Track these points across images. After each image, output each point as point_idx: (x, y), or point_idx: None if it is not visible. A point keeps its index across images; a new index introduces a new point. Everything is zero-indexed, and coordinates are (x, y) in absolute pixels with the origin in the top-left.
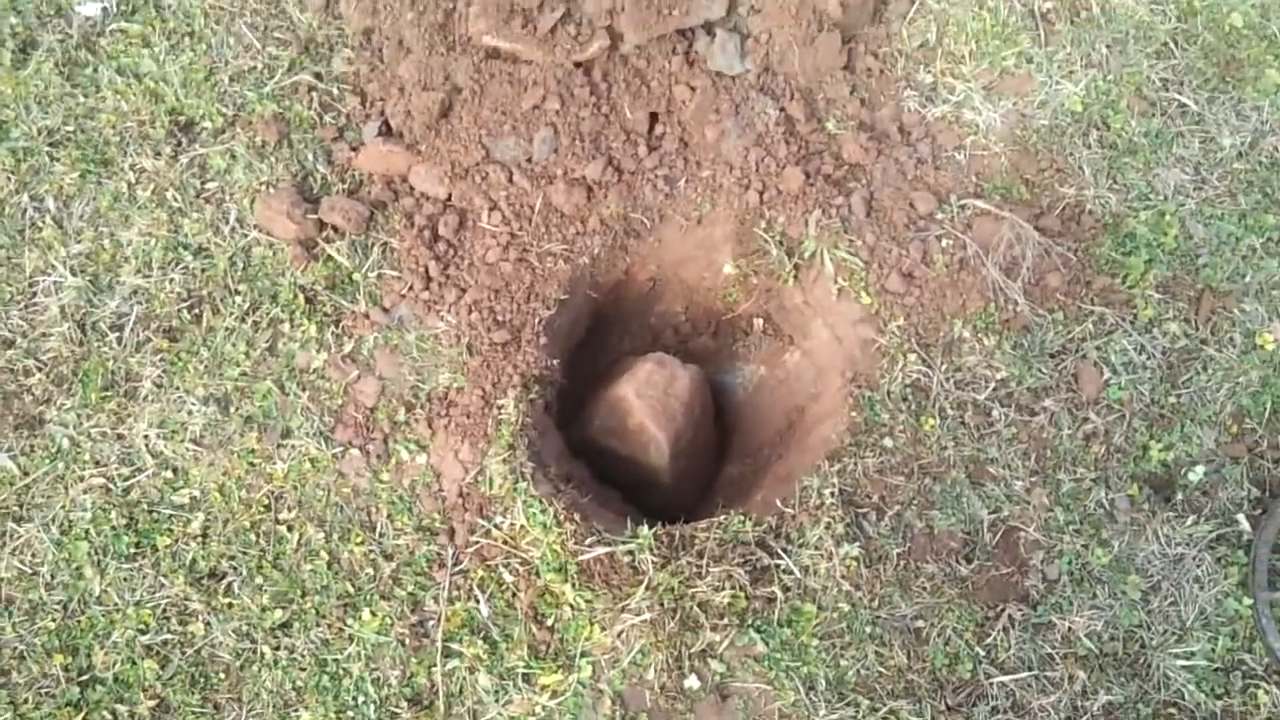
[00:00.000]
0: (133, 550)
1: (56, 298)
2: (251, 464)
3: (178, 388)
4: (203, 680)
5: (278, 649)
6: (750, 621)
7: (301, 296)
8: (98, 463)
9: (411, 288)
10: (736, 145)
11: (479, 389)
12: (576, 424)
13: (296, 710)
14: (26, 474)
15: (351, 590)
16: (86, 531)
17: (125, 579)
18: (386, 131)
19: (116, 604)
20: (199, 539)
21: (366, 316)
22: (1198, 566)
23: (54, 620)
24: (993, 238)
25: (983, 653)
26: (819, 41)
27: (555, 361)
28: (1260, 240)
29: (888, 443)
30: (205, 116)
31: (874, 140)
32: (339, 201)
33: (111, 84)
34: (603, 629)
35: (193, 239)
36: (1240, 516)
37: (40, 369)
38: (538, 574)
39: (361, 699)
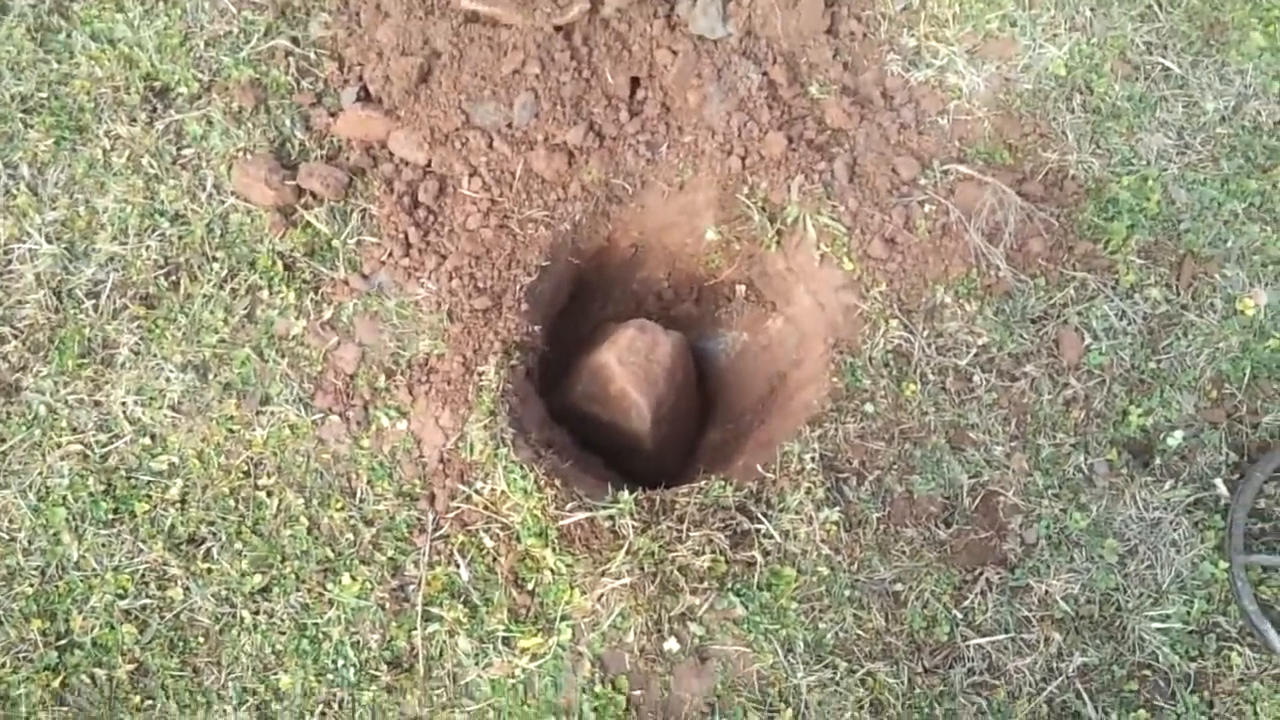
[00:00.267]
0: (111, 516)
1: (32, 265)
2: (230, 430)
3: (155, 355)
4: (182, 644)
5: (257, 613)
6: (730, 585)
7: (280, 263)
8: (75, 429)
9: (391, 254)
10: (719, 110)
11: (460, 355)
12: (558, 390)
13: (276, 674)
14: (3, 440)
15: (331, 555)
16: (64, 498)
17: (103, 544)
18: (365, 97)
19: (95, 569)
20: (178, 505)
21: (346, 283)
22: (1175, 530)
23: (31, 585)
24: (975, 203)
25: (960, 615)
26: (801, 5)
27: (536, 328)
28: (1242, 205)
29: (869, 408)
30: (181, 82)
31: (857, 105)
32: (317, 168)
33: (85, 49)
34: (583, 593)
35: (169, 206)
36: (1218, 481)
37: (16, 336)
38: (518, 539)
39: (341, 662)
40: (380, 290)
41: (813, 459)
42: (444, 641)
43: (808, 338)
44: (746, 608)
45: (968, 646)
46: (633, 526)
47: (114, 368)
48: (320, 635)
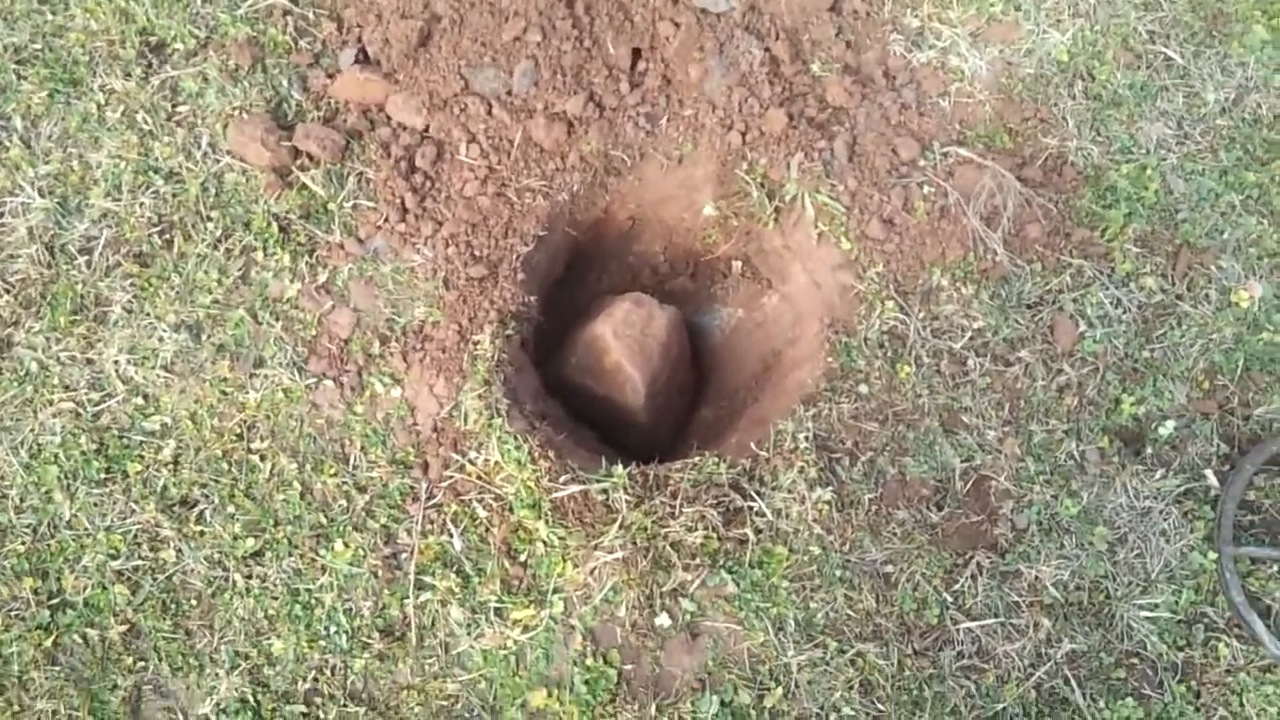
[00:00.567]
0: (103, 475)
1: (24, 219)
2: (224, 393)
3: (148, 314)
4: (174, 607)
5: (250, 578)
6: (722, 562)
7: (275, 225)
8: (67, 387)
9: (387, 219)
10: (720, 85)
11: (455, 324)
12: (553, 362)
13: (268, 638)
14: None
15: (324, 521)
16: (56, 456)
17: (95, 504)
18: (363, 59)
19: (87, 529)
20: (170, 466)
21: (341, 247)
22: (1165, 520)
23: (23, 543)
24: (974, 186)
25: (950, 599)
26: None
27: (532, 298)
28: (1240, 197)
29: (863, 389)
30: (177, 38)
31: (858, 84)
32: (314, 129)
33: (81, 1)
34: (575, 566)
35: (164, 163)
36: (1208, 472)
37: (8, 291)
38: (511, 510)
39: (333, 629)
40: (376, 255)
41: (806, 438)
42: (436, 611)
43: (803, 316)
44: (738, 585)
45: (957, 630)
46: (626, 501)
47: (106, 325)
48: (313, 601)
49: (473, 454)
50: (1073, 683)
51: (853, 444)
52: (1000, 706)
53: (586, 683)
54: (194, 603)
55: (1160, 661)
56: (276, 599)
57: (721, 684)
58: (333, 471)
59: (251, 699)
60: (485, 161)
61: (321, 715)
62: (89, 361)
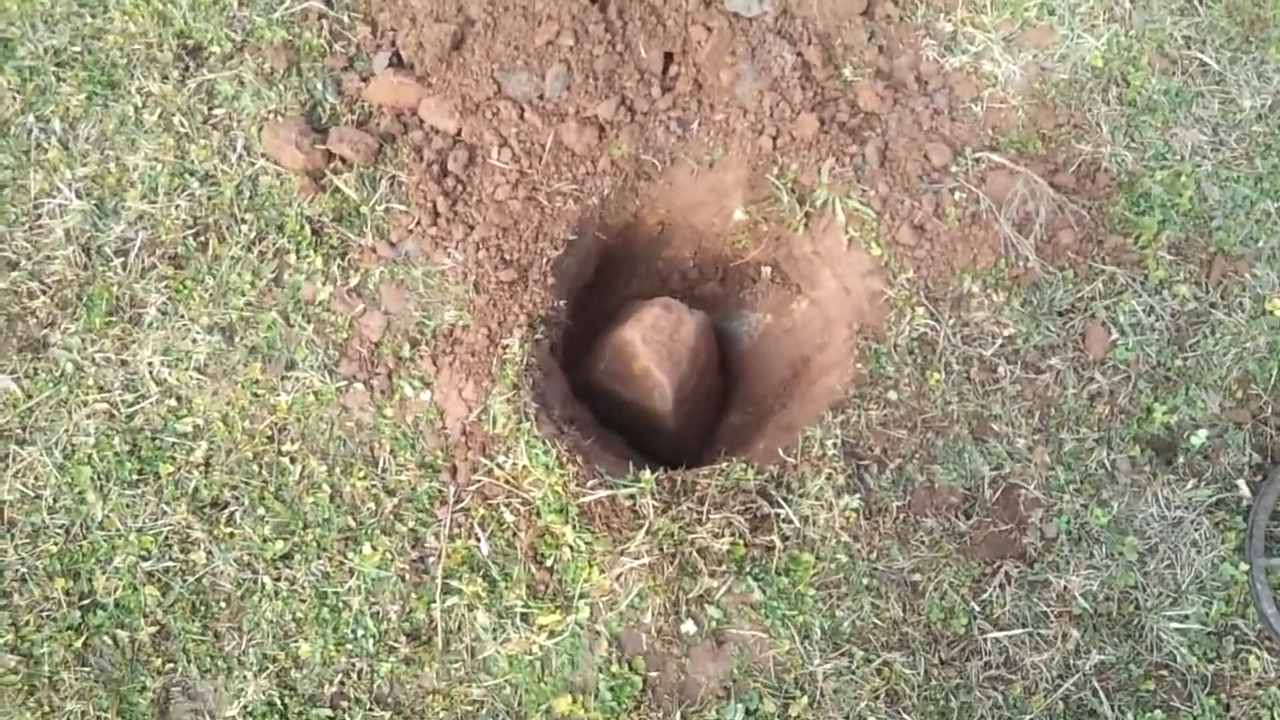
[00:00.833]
0: (135, 477)
1: (61, 220)
2: (255, 395)
3: (182, 315)
4: (203, 608)
5: (278, 580)
6: (748, 569)
7: (308, 228)
8: (101, 388)
9: (419, 223)
10: (751, 89)
11: (485, 327)
12: (581, 366)
13: (296, 641)
14: (30, 397)
15: (353, 524)
16: (89, 456)
17: (127, 505)
18: (397, 62)
19: (119, 529)
20: (202, 468)
21: (373, 250)
22: (1196, 530)
23: (56, 544)
24: (1006, 192)
25: (978, 608)
26: None
27: (562, 302)
28: (1275, 205)
29: (892, 395)
30: (214, 41)
31: (890, 89)
32: (348, 133)
33: (119, 4)
34: (602, 571)
35: (199, 165)
36: (1240, 482)
37: (45, 292)
38: (538, 514)
39: (361, 632)
40: (407, 259)
41: (834, 445)
42: (463, 615)
43: (832, 322)
44: (764, 592)
45: (985, 640)
46: (653, 506)
47: (141, 327)
48: (340, 604)
49: (501, 458)
50: (1101, 694)
51: (881, 451)
52: (1027, 718)
53: (611, 689)
54: (223, 604)
55: (1190, 674)
56: (304, 602)
57: (746, 692)
58: (362, 474)
59: (278, 702)
60: (517, 165)
61: (347, 719)
62: (123, 363)
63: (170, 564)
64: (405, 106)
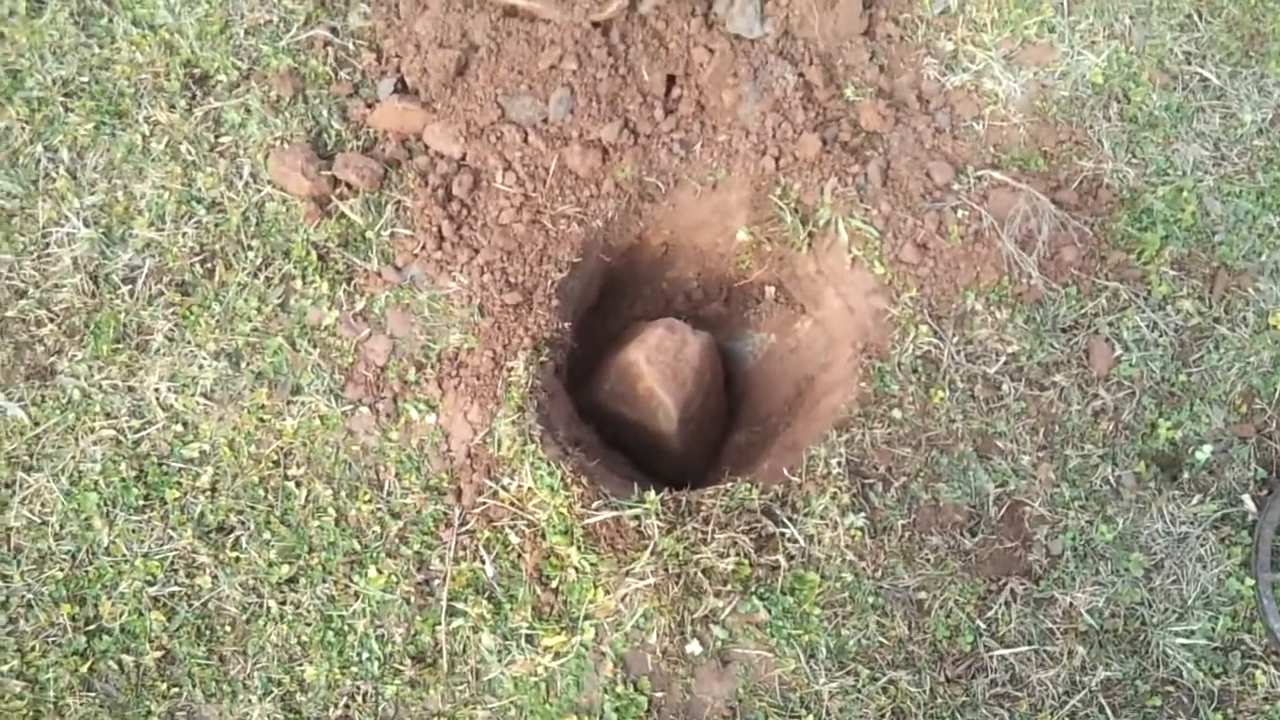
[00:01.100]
0: (141, 502)
1: (69, 249)
2: (261, 420)
3: (189, 342)
4: (209, 633)
5: (284, 604)
6: (753, 589)
7: (314, 253)
8: (108, 414)
9: (424, 247)
10: (754, 110)
11: (489, 350)
12: (586, 388)
13: (301, 665)
14: (37, 424)
15: (358, 547)
16: (96, 483)
17: (134, 530)
18: (402, 89)
19: (125, 555)
20: (208, 493)
21: (379, 275)
22: (1201, 546)
23: (62, 570)
24: (1009, 210)
25: (984, 626)
26: (839, 6)
27: (566, 324)
28: (1278, 219)
29: (896, 414)
30: (220, 69)
31: (892, 108)
32: (353, 158)
33: (127, 35)
34: (607, 592)
35: (206, 193)
36: (1246, 497)
37: (52, 320)
38: (543, 536)
39: (366, 655)
40: (412, 283)
41: (839, 464)
42: (468, 637)
43: (836, 341)
44: (770, 612)
45: (991, 657)
46: (658, 527)
47: (148, 354)
48: (346, 627)
49: (506, 480)
50: (1108, 711)
51: (886, 469)
52: None
53: (617, 710)
54: (228, 629)
55: (1196, 689)
56: (310, 625)
57: (752, 712)
58: (367, 498)
59: None
60: (521, 189)
61: None
62: (130, 389)
63: (176, 589)
64: (410, 132)
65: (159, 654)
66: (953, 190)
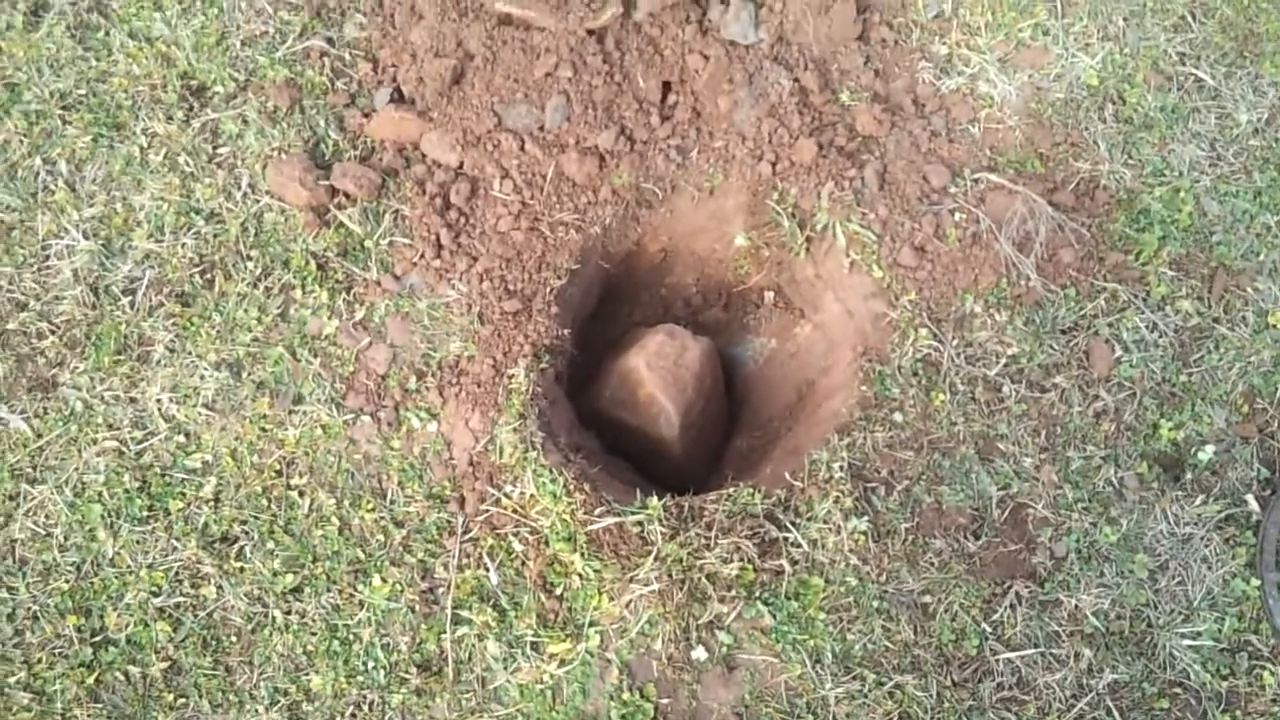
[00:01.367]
0: (145, 513)
1: (69, 261)
2: (263, 429)
3: (190, 352)
4: (214, 643)
5: (289, 613)
6: (758, 594)
7: (313, 263)
8: (110, 426)
9: (423, 255)
10: (749, 116)
11: (490, 358)
12: (587, 394)
13: (307, 674)
14: (40, 436)
15: (362, 556)
16: (99, 494)
17: (138, 541)
18: (399, 98)
19: (129, 566)
20: (211, 503)
21: (378, 284)
22: (1206, 546)
23: (67, 581)
24: (1006, 212)
25: (989, 629)
26: (833, 11)
27: (566, 331)
28: (1275, 218)
29: (897, 417)
30: (217, 81)
31: (888, 112)
32: (351, 168)
33: (124, 47)
34: (611, 599)
35: (205, 204)
36: (1249, 497)
37: (53, 332)
38: (547, 543)
39: (371, 664)
40: (412, 291)
41: (841, 468)
42: (473, 645)
43: (836, 345)
44: (774, 617)
45: (997, 660)
46: (661, 533)
47: (149, 365)
48: (351, 636)
49: (508, 487)
50: (1115, 714)
51: (888, 473)
52: None
53: (623, 717)
54: (234, 639)
55: (1204, 691)
56: (315, 635)
57: (758, 717)
58: (370, 507)
59: None
60: (519, 197)
61: None
62: (132, 400)
63: (181, 599)
64: (407, 141)
65: (165, 665)
66: (949, 193)
